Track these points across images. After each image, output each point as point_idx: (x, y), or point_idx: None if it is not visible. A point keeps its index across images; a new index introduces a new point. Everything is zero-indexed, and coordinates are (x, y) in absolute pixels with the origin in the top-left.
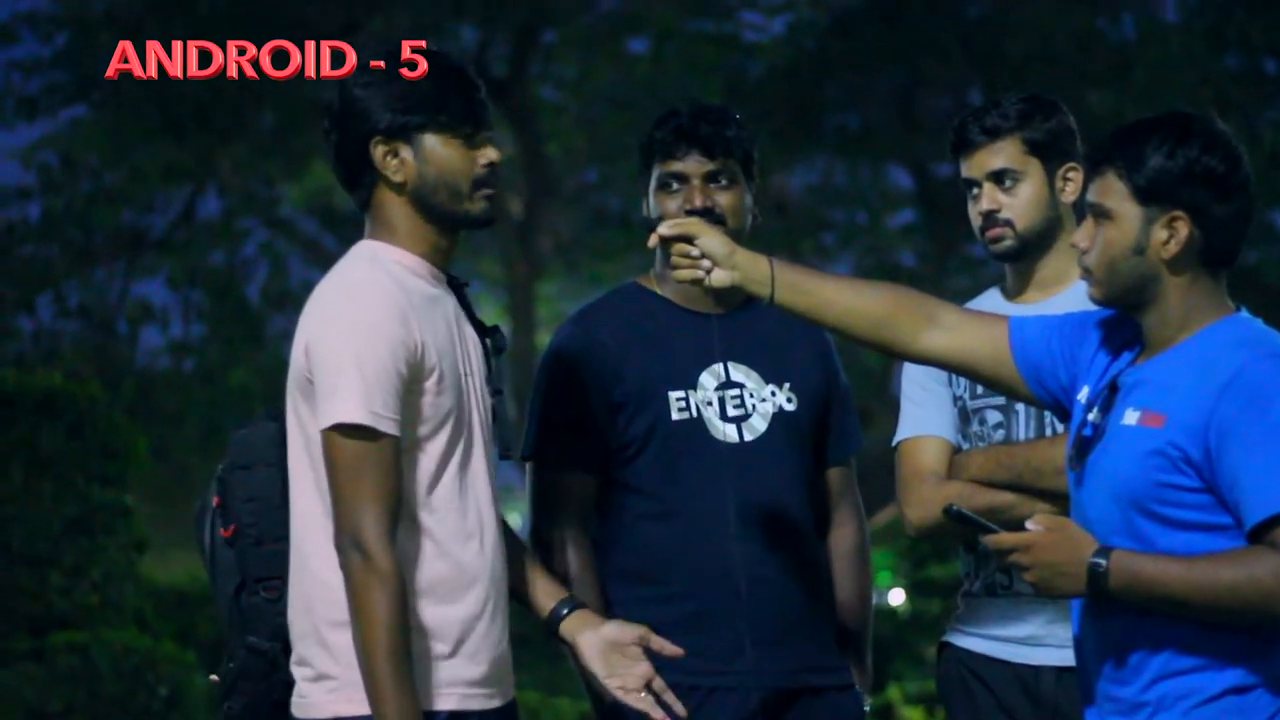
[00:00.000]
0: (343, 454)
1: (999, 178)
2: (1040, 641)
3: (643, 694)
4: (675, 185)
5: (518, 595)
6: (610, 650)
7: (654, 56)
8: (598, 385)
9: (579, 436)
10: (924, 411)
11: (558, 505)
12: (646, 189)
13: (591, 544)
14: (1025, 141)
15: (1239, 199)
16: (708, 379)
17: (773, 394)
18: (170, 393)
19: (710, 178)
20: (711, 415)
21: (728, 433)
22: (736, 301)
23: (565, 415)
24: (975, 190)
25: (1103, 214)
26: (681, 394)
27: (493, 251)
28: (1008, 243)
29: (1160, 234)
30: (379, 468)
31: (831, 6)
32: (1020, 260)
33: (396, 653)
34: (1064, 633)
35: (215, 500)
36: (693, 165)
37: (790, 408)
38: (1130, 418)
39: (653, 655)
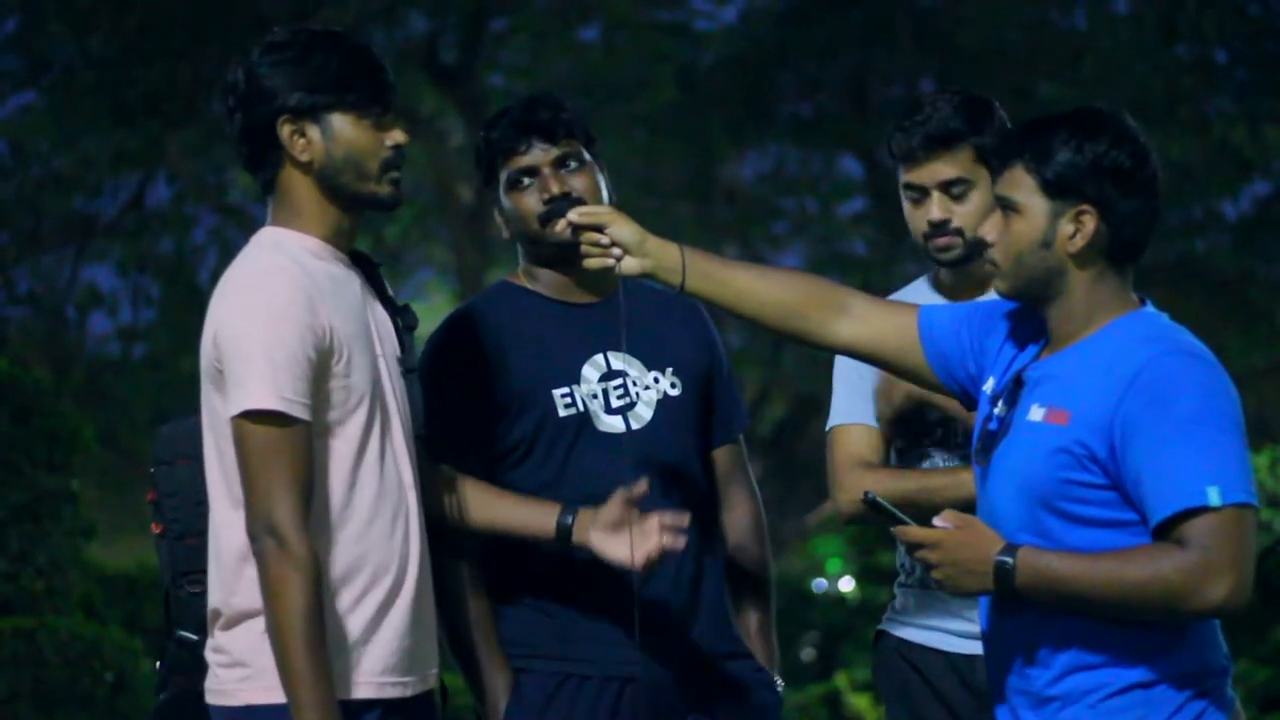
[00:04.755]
0: (254, 441)
1: (950, 186)
2: (977, 634)
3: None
4: (526, 181)
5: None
6: (619, 532)
7: (605, 45)
8: (478, 389)
9: (461, 445)
10: (856, 398)
11: None
12: (496, 199)
13: (474, 551)
14: (975, 149)
15: (1146, 194)
16: (590, 371)
17: (656, 380)
18: (119, 379)
19: (559, 164)
20: (597, 408)
21: (614, 424)
22: (611, 289)
23: (446, 423)
24: (917, 196)
25: (1010, 207)
26: (566, 390)
27: (444, 239)
28: (957, 251)
29: (1066, 228)
30: (291, 454)
31: None
32: (963, 264)
33: (312, 640)
34: None
35: (149, 496)
36: (539, 155)
37: (675, 392)
38: (1035, 414)
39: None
